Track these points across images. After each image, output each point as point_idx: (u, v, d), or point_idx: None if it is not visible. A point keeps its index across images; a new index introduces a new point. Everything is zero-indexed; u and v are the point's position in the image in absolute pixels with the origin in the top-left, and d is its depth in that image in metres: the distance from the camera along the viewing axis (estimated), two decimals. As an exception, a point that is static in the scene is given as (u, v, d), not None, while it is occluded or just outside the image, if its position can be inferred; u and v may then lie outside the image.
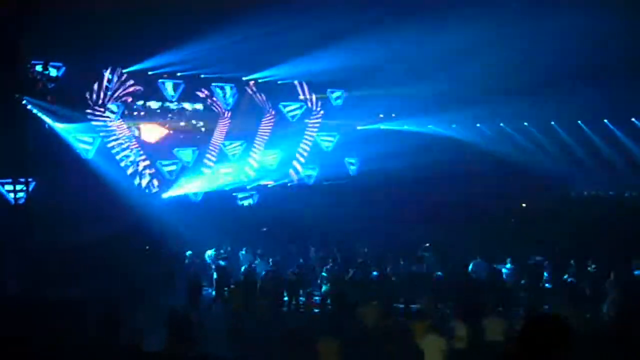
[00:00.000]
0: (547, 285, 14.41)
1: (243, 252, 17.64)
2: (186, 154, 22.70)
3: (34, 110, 17.97)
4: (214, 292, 15.57)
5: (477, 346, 9.12)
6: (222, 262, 16.41)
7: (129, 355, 7.29)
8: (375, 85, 23.34)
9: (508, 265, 15.16)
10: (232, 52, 19.00)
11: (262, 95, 24.17)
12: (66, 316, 9.14)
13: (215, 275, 15.74)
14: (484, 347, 9.14)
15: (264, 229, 20.62)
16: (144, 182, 21.31)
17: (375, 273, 15.13)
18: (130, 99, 20.96)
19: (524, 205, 24.95)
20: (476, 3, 16.80)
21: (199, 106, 23.03)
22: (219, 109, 23.38)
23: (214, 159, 23.47)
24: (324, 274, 15.17)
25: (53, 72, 18.44)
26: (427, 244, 17.37)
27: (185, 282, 14.67)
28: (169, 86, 21.75)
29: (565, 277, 14.00)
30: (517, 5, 17.22)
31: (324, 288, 14.52)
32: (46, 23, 15.77)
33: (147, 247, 17.86)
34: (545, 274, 14.82)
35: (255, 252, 17.37)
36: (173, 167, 22.30)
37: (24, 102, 17.47)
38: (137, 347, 7.63)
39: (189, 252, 17.56)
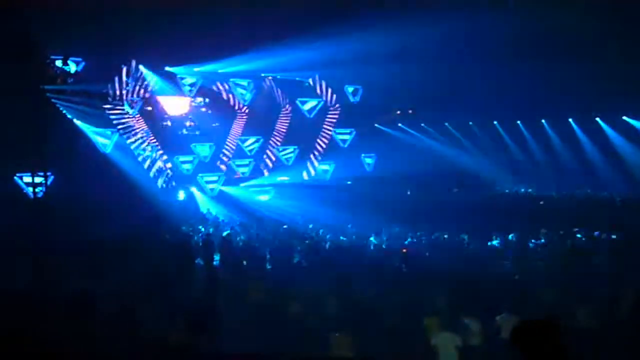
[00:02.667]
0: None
1: None
2: (203, 149, 22.80)
3: (56, 105, 18.16)
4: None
5: (492, 342, 8.93)
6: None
7: (150, 347, 7.32)
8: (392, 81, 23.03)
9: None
10: (251, 47, 19.01)
11: (279, 90, 24.15)
12: (84, 310, 9.17)
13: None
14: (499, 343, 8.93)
15: None
16: (160, 178, 21.47)
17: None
18: (148, 94, 21.13)
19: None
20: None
21: (217, 101, 23.11)
22: (237, 104, 23.42)
23: (230, 154, 23.54)
24: None
25: (72, 67, 18.65)
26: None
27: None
28: (186, 81, 21.84)
29: None
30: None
31: None
32: (66, 18, 15.89)
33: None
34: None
35: None
36: (189, 165, 22.42)
37: (47, 94, 17.61)
38: (157, 340, 7.67)
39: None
